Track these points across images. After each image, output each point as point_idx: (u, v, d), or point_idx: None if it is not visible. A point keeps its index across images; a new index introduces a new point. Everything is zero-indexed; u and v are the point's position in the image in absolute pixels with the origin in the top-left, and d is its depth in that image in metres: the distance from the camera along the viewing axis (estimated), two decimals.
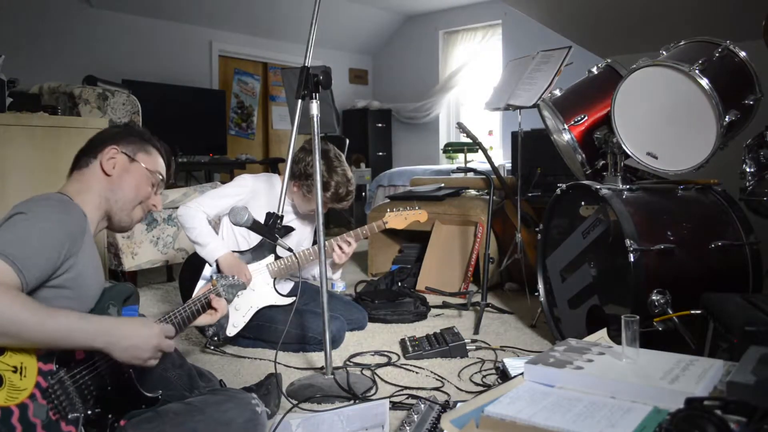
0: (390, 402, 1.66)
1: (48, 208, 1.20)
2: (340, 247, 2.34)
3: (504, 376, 1.88)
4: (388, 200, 3.95)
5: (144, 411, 1.28)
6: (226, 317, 2.23)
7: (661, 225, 1.92)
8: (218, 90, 5.88)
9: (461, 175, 4.12)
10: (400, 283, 3.13)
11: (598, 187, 1.99)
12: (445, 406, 1.48)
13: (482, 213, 3.28)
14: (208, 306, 1.49)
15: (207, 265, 2.21)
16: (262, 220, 1.86)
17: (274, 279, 2.31)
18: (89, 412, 1.17)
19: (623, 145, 2.01)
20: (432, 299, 2.92)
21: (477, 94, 6.92)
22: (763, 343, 1.38)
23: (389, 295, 2.83)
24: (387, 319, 2.66)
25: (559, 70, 2.85)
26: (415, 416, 1.43)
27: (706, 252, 1.90)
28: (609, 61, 2.36)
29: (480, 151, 3.06)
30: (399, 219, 2.49)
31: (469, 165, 5.64)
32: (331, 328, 1.87)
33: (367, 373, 1.99)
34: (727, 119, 1.79)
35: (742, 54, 1.94)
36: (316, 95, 1.77)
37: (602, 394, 1.26)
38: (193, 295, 1.49)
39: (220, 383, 1.74)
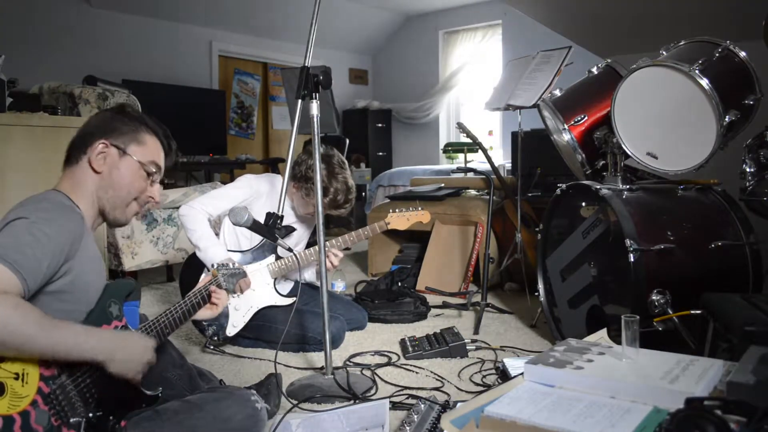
0: (390, 402, 1.66)
1: (48, 212, 1.18)
2: (327, 257, 2.29)
3: (504, 376, 1.88)
4: (388, 200, 3.96)
5: (144, 410, 1.27)
6: (226, 317, 2.23)
7: (661, 225, 1.92)
8: (218, 90, 5.88)
9: (461, 175, 4.12)
10: (400, 283, 3.13)
11: (598, 187, 1.99)
12: (445, 406, 1.48)
13: (482, 213, 3.28)
14: (208, 297, 1.48)
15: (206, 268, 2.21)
16: (263, 220, 1.86)
17: (275, 279, 2.31)
18: (91, 415, 1.16)
19: (623, 145, 2.01)
20: (432, 299, 2.92)
21: (477, 94, 6.92)
22: (763, 343, 1.38)
23: (389, 295, 2.83)
24: (387, 319, 2.66)
25: (559, 70, 2.85)
26: (415, 416, 1.43)
27: (706, 252, 1.90)
28: (609, 61, 2.36)
29: (480, 151, 3.06)
30: (401, 220, 2.48)
31: (469, 165, 5.64)
32: (331, 328, 1.87)
33: (367, 373, 1.99)
34: (727, 119, 1.79)
35: (742, 54, 1.94)
36: (316, 95, 1.77)
37: (602, 394, 1.26)
38: (195, 287, 1.48)
39: (220, 383, 1.74)
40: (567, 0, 3.80)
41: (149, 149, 1.37)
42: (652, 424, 1.11)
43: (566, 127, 2.25)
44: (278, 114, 6.64)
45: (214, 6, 5.58)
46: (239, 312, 2.25)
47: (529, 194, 3.42)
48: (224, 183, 3.72)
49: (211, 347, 2.25)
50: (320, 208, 1.84)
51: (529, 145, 3.40)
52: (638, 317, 1.40)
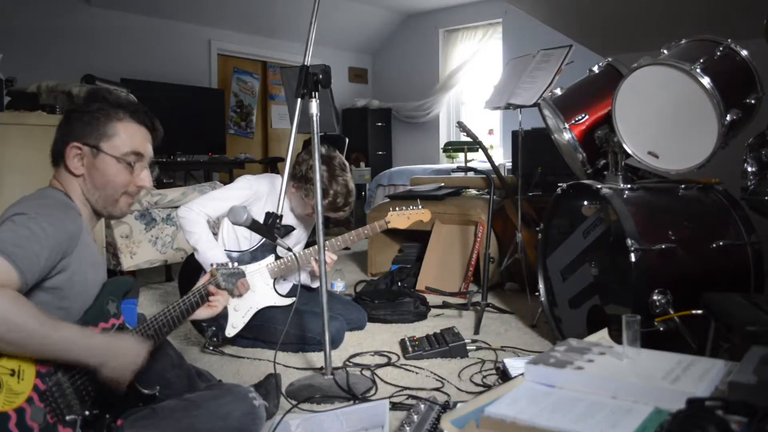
0: (390, 402, 1.66)
1: (47, 208, 1.19)
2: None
3: (504, 376, 1.87)
4: (388, 200, 3.95)
5: (141, 409, 1.27)
6: (225, 318, 2.22)
7: (663, 224, 1.91)
8: (217, 89, 5.87)
9: (461, 174, 4.12)
10: (400, 283, 3.13)
11: (599, 186, 1.99)
12: (445, 407, 1.48)
13: (482, 212, 3.28)
14: (206, 297, 1.47)
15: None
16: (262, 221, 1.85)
17: (274, 279, 2.30)
18: (87, 413, 1.16)
19: (624, 145, 2.01)
20: (432, 299, 2.91)
21: (477, 93, 6.92)
22: (764, 343, 1.37)
23: (389, 295, 2.82)
24: (387, 319, 2.66)
25: (559, 68, 2.84)
26: (415, 417, 1.42)
27: (708, 252, 1.89)
28: (610, 60, 2.35)
29: (480, 150, 3.05)
30: (402, 219, 2.46)
31: (469, 164, 5.64)
32: (331, 329, 1.86)
33: (367, 373, 1.98)
34: (728, 118, 1.79)
35: (744, 53, 1.93)
36: (315, 94, 1.77)
37: (603, 394, 1.26)
38: (194, 287, 1.48)
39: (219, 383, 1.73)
40: None
41: (123, 139, 1.30)
42: (653, 424, 1.10)
43: (567, 126, 2.24)
44: (277, 113, 6.63)
45: (213, 5, 5.57)
46: (239, 313, 2.24)
47: (530, 194, 3.41)
48: (223, 182, 3.72)
49: (211, 348, 2.25)
50: (320, 208, 1.83)
51: (530, 145, 3.39)
52: (639, 317, 1.39)
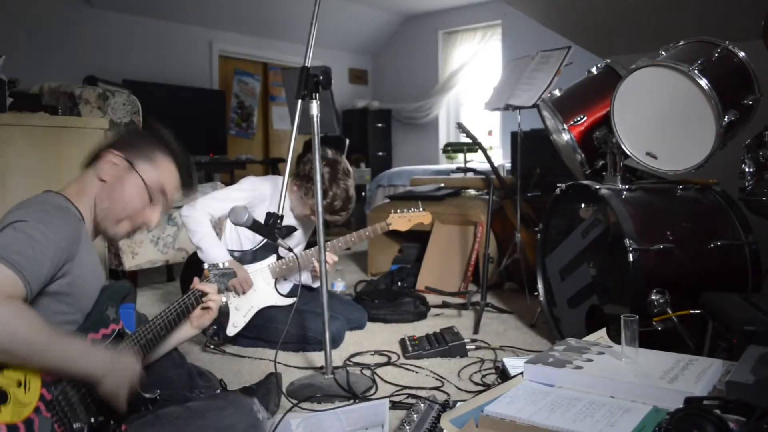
0: (390, 401, 1.66)
1: (47, 214, 1.18)
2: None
3: (503, 375, 1.88)
4: (388, 200, 3.96)
5: (144, 414, 1.27)
6: (226, 317, 2.23)
7: (661, 225, 1.92)
8: (218, 90, 5.88)
9: (461, 175, 4.13)
10: (399, 283, 3.14)
11: (598, 187, 2.00)
12: (445, 406, 1.49)
13: (482, 213, 3.29)
14: (201, 297, 1.47)
15: None
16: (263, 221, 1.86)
17: (276, 279, 2.31)
18: (92, 420, 1.15)
19: (622, 145, 2.01)
20: (432, 299, 2.92)
21: (477, 94, 6.93)
22: (762, 343, 1.38)
23: (389, 295, 2.83)
24: (387, 319, 2.66)
25: (558, 70, 2.85)
26: (415, 416, 1.43)
27: (706, 252, 1.90)
28: (608, 61, 2.36)
29: (480, 151, 3.06)
30: (403, 221, 2.47)
31: (468, 165, 5.63)
32: (331, 328, 1.87)
33: (367, 372, 1.99)
34: (726, 119, 1.80)
35: (741, 54, 1.94)
36: (316, 95, 1.77)
37: (601, 393, 1.27)
38: (190, 287, 1.49)
39: (220, 383, 1.74)
40: (567, 0, 3.80)
41: (161, 173, 1.33)
42: (652, 423, 1.11)
43: (566, 127, 2.25)
44: (278, 114, 6.64)
45: (215, 6, 5.59)
46: (240, 312, 2.25)
47: (529, 194, 3.42)
48: (224, 183, 3.73)
49: (212, 347, 2.25)
50: (320, 209, 1.84)
51: (529, 145, 3.40)
52: (637, 317, 1.40)
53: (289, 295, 2.34)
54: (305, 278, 2.49)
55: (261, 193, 2.33)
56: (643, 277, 1.81)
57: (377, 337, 2.44)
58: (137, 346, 1.31)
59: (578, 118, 2.25)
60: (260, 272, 2.28)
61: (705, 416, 0.99)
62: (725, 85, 1.83)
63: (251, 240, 2.33)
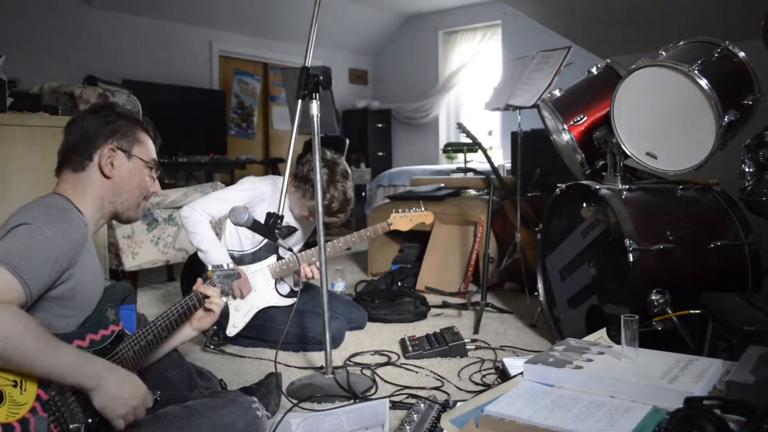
0: (390, 401, 1.66)
1: (52, 217, 1.17)
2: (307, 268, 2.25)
3: (504, 375, 1.88)
4: (388, 200, 3.96)
5: None
6: (226, 317, 2.23)
7: (661, 225, 1.92)
8: (218, 90, 5.88)
9: (461, 175, 4.12)
10: (400, 283, 3.13)
11: (598, 187, 2.00)
12: (445, 406, 1.49)
13: (482, 213, 3.29)
14: (204, 299, 1.47)
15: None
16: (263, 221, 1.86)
17: (276, 280, 2.31)
18: (89, 420, 1.14)
19: (622, 146, 2.01)
20: (432, 299, 2.92)
21: (477, 94, 6.93)
22: (762, 343, 1.38)
23: (389, 295, 2.83)
24: (387, 319, 2.67)
25: (558, 70, 2.85)
26: (415, 416, 1.43)
27: (706, 252, 1.90)
28: (608, 61, 2.36)
29: (480, 151, 3.06)
30: (404, 221, 2.46)
31: (468, 165, 5.64)
32: (331, 328, 1.87)
33: (367, 372, 1.99)
34: (726, 119, 1.80)
35: (741, 54, 1.94)
36: (316, 95, 1.77)
37: (602, 393, 1.27)
38: (193, 288, 1.48)
39: (219, 383, 1.74)
40: (566, 0, 3.80)
41: (147, 147, 1.38)
42: (652, 423, 1.11)
43: (566, 127, 2.25)
44: (278, 114, 6.64)
45: (215, 6, 5.58)
46: (240, 312, 2.25)
47: (529, 194, 3.42)
48: (224, 183, 3.73)
49: (212, 347, 2.25)
50: (320, 208, 1.84)
51: (529, 145, 3.40)
52: (637, 317, 1.40)
53: (288, 296, 2.34)
54: (292, 282, 2.47)
55: (260, 193, 2.32)
56: (643, 277, 1.81)
57: (377, 337, 2.44)
58: (137, 347, 1.31)
59: (578, 118, 2.25)
60: (260, 273, 2.28)
61: (705, 416, 0.99)
62: (725, 85, 1.83)
63: (251, 240, 2.33)
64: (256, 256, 2.29)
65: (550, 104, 2.32)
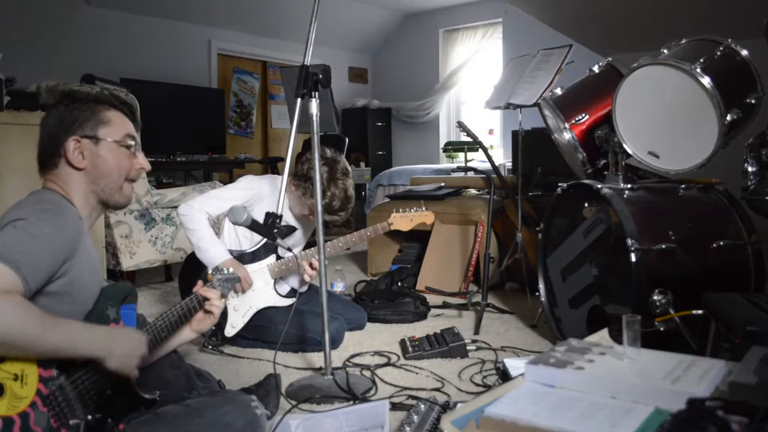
0: (390, 402, 1.66)
1: (47, 212, 1.18)
2: (311, 265, 2.20)
3: (504, 376, 1.87)
4: (388, 199, 3.95)
5: (142, 414, 1.27)
6: (224, 317, 2.22)
7: (663, 224, 1.91)
8: (217, 89, 5.86)
9: (461, 174, 4.12)
10: (400, 283, 3.12)
11: (599, 186, 1.99)
12: (445, 407, 1.48)
13: (483, 212, 3.27)
14: (203, 301, 1.47)
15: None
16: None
17: (275, 280, 2.30)
18: (89, 417, 1.16)
19: (624, 144, 2.00)
20: (432, 299, 2.91)
21: (477, 93, 6.91)
22: (765, 343, 1.37)
23: (389, 295, 2.82)
24: (387, 319, 2.65)
25: (559, 68, 2.84)
26: (415, 417, 1.42)
27: (708, 252, 1.89)
28: (610, 59, 2.35)
29: (480, 150, 3.05)
30: (404, 221, 2.44)
31: (469, 164, 5.64)
32: (331, 329, 1.86)
33: (367, 373, 1.98)
34: (728, 118, 1.79)
35: (744, 53, 1.93)
36: (315, 94, 1.77)
37: (603, 394, 1.26)
38: (193, 290, 1.48)
39: (218, 383, 1.73)
40: None
41: (117, 124, 1.33)
42: (654, 424, 1.10)
43: (567, 126, 2.24)
44: (277, 113, 6.63)
45: (213, 5, 5.57)
46: (238, 312, 2.24)
47: (530, 193, 3.41)
48: (223, 182, 3.71)
49: (210, 347, 2.24)
50: (320, 208, 1.83)
51: (530, 144, 3.39)
52: (640, 317, 1.39)
53: (288, 296, 2.33)
54: (295, 283, 2.46)
55: (259, 192, 2.31)
56: (645, 277, 1.80)
57: (377, 338, 2.43)
58: None
59: (580, 117, 2.24)
60: (259, 272, 2.27)
61: (708, 417, 0.98)
62: (728, 84, 1.82)
63: (250, 240, 2.32)
64: (255, 256, 2.28)
65: (552, 103, 2.31)
